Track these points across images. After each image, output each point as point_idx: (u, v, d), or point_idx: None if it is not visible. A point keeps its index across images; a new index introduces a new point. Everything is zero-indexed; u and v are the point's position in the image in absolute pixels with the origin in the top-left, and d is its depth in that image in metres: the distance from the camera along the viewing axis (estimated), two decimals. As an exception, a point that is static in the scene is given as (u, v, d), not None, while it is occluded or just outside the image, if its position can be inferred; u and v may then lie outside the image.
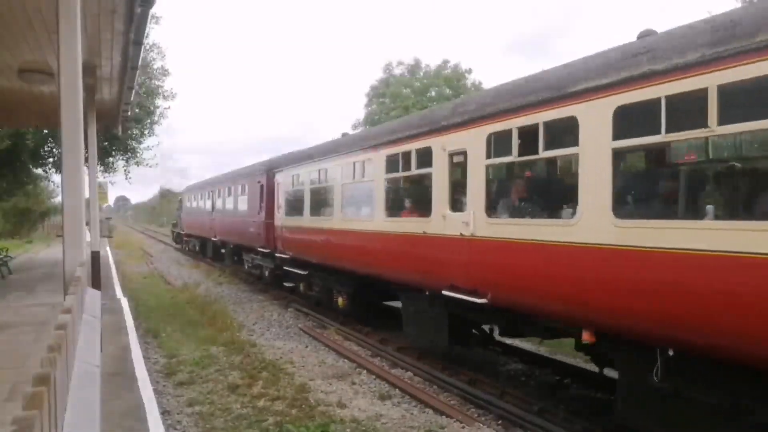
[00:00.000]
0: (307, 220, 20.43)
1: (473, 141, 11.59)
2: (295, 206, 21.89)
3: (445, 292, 12.03)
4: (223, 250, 35.73)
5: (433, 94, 49.86)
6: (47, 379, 2.86)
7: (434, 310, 13.44)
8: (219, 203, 34.71)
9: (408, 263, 13.87)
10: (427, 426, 10.43)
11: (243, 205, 29.35)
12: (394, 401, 11.92)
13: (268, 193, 25.14)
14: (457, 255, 11.81)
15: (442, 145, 12.58)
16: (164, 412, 10.33)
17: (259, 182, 26.44)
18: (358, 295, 18.10)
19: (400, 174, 14.76)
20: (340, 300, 18.81)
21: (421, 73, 52.47)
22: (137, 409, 9.47)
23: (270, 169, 25.42)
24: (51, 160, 33.83)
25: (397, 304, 16.45)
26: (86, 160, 14.12)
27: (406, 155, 14.12)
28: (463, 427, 10.34)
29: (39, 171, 36.70)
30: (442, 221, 12.45)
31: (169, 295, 24.45)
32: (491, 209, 11.23)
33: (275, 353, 15.29)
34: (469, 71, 52.09)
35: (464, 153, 11.92)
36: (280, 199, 23.42)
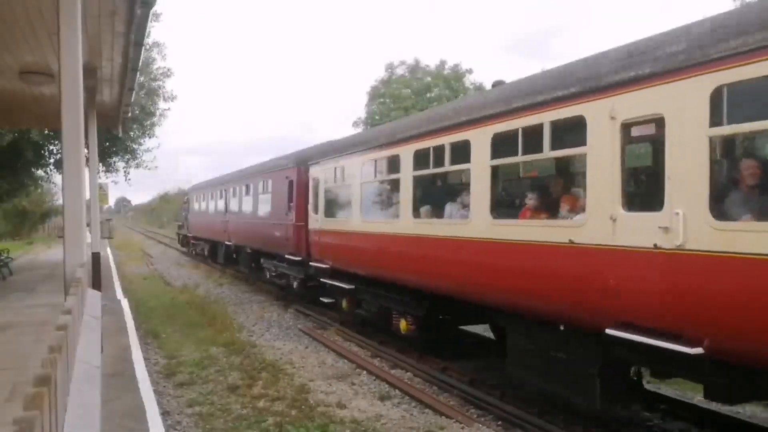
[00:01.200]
0: (356, 222, 16.35)
1: (681, 99, 7.36)
2: (338, 206, 18.34)
3: (610, 332, 8.18)
4: (236, 255, 32.49)
5: (433, 94, 49.84)
6: (48, 380, 2.87)
7: (576, 353, 9.58)
8: (234, 203, 31.08)
9: (530, 286, 9.86)
10: (427, 426, 10.43)
11: (265, 205, 25.43)
12: (394, 402, 11.91)
13: (298, 191, 21.30)
14: (643, 277, 7.78)
15: (608, 112, 8.37)
16: (164, 413, 10.34)
17: (287, 178, 22.37)
18: (430, 318, 14.22)
19: (521, 158, 10.50)
20: (402, 323, 14.86)
21: (420, 74, 52.47)
22: (137, 409, 9.49)
23: (302, 162, 21.40)
24: (52, 160, 33.80)
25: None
26: (87, 161, 14.15)
27: (532, 131, 9.86)
28: (462, 428, 10.33)
29: (40, 172, 36.65)
30: (608, 225, 8.36)
31: (169, 296, 24.46)
32: (720, 207, 7.09)
33: (275, 354, 15.31)
34: (470, 71, 52.16)
35: (657, 120, 7.83)
36: (318, 198, 19.34)
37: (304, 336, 17.78)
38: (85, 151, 11.49)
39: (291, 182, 21.91)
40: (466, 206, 11.94)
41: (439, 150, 12.56)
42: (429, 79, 51.28)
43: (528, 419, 10.46)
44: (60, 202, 41.38)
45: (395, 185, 14.64)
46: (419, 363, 14.26)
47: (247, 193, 28.72)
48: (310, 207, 20.01)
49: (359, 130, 49.92)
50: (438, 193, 14.07)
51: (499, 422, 10.79)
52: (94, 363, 5.01)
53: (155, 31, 64.60)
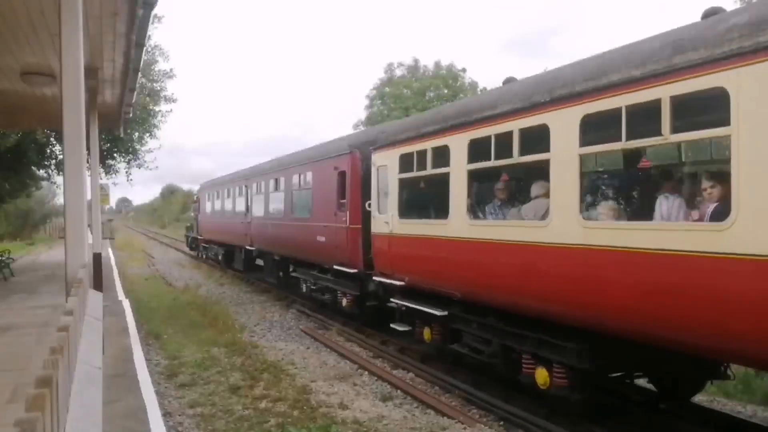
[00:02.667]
0: (459, 226, 11.76)
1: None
2: (425, 204, 14.12)
3: None
4: (259, 261, 29.23)
5: (432, 95, 49.88)
6: (49, 381, 2.85)
7: None
8: (258, 202, 26.98)
9: None
10: (429, 427, 10.42)
11: (302, 203, 21.47)
12: (396, 402, 11.94)
13: (354, 185, 17.11)
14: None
15: None
16: (166, 414, 10.33)
17: (336, 169, 18.14)
18: (594, 374, 9.75)
19: None
20: (541, 374, 10.17)
21: (420, 74, 52.49)
22: (139, 410, 9.47)
23: (360, 147, 17.26)
24: (53, 161, 33.78)
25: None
26: (88, 161, 14.14)
27: None
28: (465, 429, 10.32)
29: (42, 173, 36.63)
30: None
31: (170, 297, 24.45)
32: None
33: (277, 354, 15.31)
34: (463, 70, 52.25)
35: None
36: (387, 193, 14.81)
37: (306, 336, 17.79)
38: (86, 151, 11.49)
39: (342, 174, 17.77)
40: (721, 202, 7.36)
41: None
42: (425, 82, 51.35)
43: (530, 420, 10.45)
44: (61, 202, 41.40)
45: (541, 171, 10.14)
46: (421, 363, 14.25)
47: (277, 189, 24.49)
48: (373, 205, 15.69)
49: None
50: (635, 181, 10.45)
51: (501, 423, 10.80)
52: (96, 364, 4.99)
53: (157, 34, 64.64)
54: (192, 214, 46.93)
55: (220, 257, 35.87)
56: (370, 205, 15.90)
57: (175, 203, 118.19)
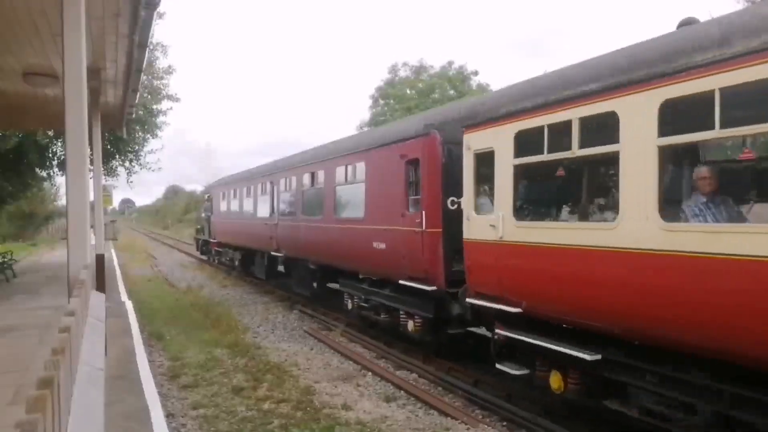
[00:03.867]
0: (637, 231, 7.95)
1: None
2: (556, 199, 11.04)
3: None
4: (285, 270, 24.81)
5: (437, 95, 49.76)
6: (51, 382, 2.84)
7: None
8: (288, 200, 23.36)
9: None
10: (432, 428, 10.43)
11: (353, 201, 17.48)
12: (400, 403, 11.93)
13: (431, 178, 13.50)
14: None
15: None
16: (169, 415, 10.33)
17: (404, 157, 14.44)
18: None
19: None
20: None
21: (425, 75, 52.39)
22: (141, 412, 9.46)
23: (442, 126, 13.64)
24: (56, 162, 33.70)
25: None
26: (91, 162, 14.14)
27: None
28: (468, 429, 10.32)
29: (44, 174, 36.57)
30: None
31: (173, 298, 24.45)
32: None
33: (280, 355, 15.30)
34: (476, 73, 52.08)
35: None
36: (497, 187, 10.86)
37: (309, 337, 17.77)
38: (89, 151, 11.48)
39: (413, 163, 14.24)
40: None
41: None
42: (430, 82, 51.22)
43: (533, 420, 10.45)
44: (63, 203, 41.35)
45: None
46: (424, 364, 14.24)
47: (313, 184, 20.80)
48: (467, 203, 11.78)
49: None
50: None
51: (504, 423, 10.82)
52: (98, 365, 4.97)
53: (159, 31, 64.48)
54: (203, 215, 42.04)
55: (236, 263, 32.51)
56: (453, 202, 12.52)
57: (178, 204, 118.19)
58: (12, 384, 9.53)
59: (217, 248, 36.34)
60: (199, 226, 44.76)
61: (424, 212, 13.40)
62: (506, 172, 10.58)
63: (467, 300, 11.74)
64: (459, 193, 12.05)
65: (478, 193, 11.77)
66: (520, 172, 10.53)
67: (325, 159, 19.67)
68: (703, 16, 8.27)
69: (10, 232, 58.73)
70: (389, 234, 14.92)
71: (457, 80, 50.78)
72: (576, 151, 9.01)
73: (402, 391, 12.61)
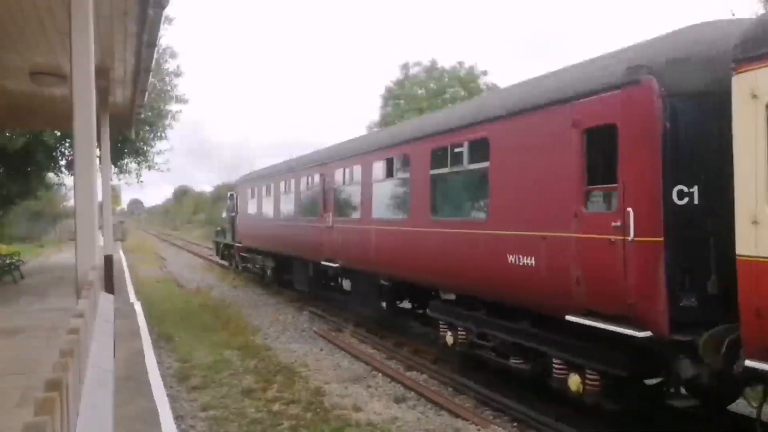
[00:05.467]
0: None
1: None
2: None
3: None
4: (338, 283, 22.19)
5: (448, 95, 49.56)
6: (59, 384, 2.80)
7: None
8: (349, 196, 18.70)
9: None
10: (443, 429, 10.37)
11: (468, 194, 13.17)
12: (410, 404, 11.85)
13: (643, 153, 8.56)
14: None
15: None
16: (178, 417, 10.27)
17: (579, 125, 9.50)
18: None
19: None
20: None
21: (437, 74, 52.17)
22: (151, 413, 9.41)
23: (661, 69, 8.41)
24: (63, 162, 33.70)
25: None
26: (99, 161, 14.09)
27: None
28: (479, 430, 10.28)
29: (51, 175, 36.59)
30: None
31: (182, 299, 24.41)
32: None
33: (290, 357, 15.24)
34: (485, 73, 51.92)
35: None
36: None
37: (319, 338, 17.69)
38: (98, 152, 11.44)
39: (598, 133, 9.27)
40: None
41: None
42: (442, 82, 51.01)
43: (544, 421, 10.38)
44: (71, 203, 41.35)
45: None
46: (435, 365, 14.17)
47: (390, 175, 16.02)
48: (750, 192, 7.08)
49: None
50: None
51: (515, 423, 10.75)
52: (107, 367, 4.92)
53: (168, 34, 64.61)
54: (225, 215, 37.68)
55: (268, 271, 27.95)
56: (682, 194, 8.30)
57: (187, 205, 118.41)
58: (19, 386, 9.48)
59: (243, 254, 31.84)
60: (219, 228, 39.70)
61: (631, 211, 8.50)
62: None
63: (745, 362, 7.09)
64: (690, 179, 8.27)
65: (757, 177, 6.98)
66: None
67: (412, 140, 14.84)
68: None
69: (18, 233, 58.80)
70: (545, 244, 10.04)
71: (468, 80, 50.57)
72: None
73: (412, 392, 12.51)
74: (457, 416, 10.95)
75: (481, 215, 12.13)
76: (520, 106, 11.05)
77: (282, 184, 25.22)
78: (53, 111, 17.01)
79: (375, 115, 56.78)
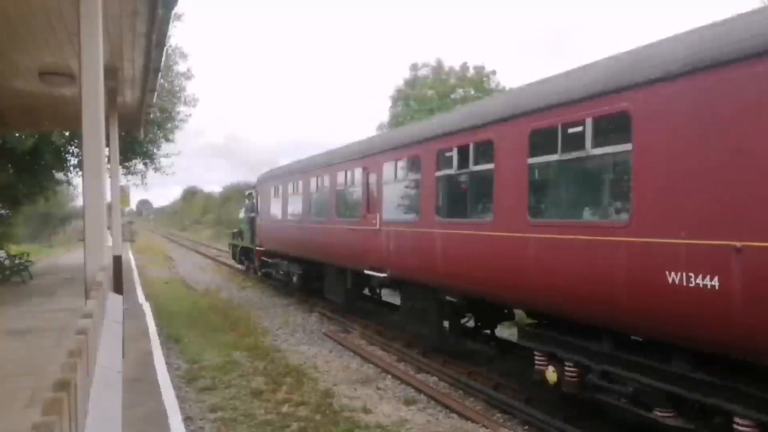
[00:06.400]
0: None
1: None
2: None
3: None
4: (370, 293, 20.85)
5: (457, 96, 49.43)
6: (68, 385, 2.77)
7: None
8: (405, 195, 15.72)
9: None
10: (453, 431, 10.32)
11: (604, 188, 9.96)
12: (419, 406, 11.82)
13: None
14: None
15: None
16: (187, 418, 10.25)
17: None
18: None
19: None
20: None
21: (445, 75, 52.03)
22: (160, 415, 9.39)
23: None
24: (74, 162, 33.70)
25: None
26: (108, 161, 14.07)
27: None
28: (489, 433, 10.23)
29: (60, 175, 36.61)
30: None
31: (191, 300, 24.38)
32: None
33: (299, 358, 15.20)
34: (493, 73, 51.80)
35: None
36: None
37: (329, 340, 17.66)
38: (106, 152, 11.43)
39: None
40: None
41: None
42: (453, 80, 50.85)
43: (554, 424, 10.32)
44: (79, 204, 41.36)
45: None
46: (444, 367, 14.10)
47: (464, 166, 12.64)
48: None
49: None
50: None
51: (526, 427, 10.73)
52: (116, 368, 4.89)
53: (177, 34, 64.67)
54: (242, 216, 34.88)
55: (294, 278, 25.05)
56: None
57: (195, 206, 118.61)
58: (29, 387, 9.50)
59: (264, 258, 29.24)
60: (235, 230, 37.07)
61: None
62: None
63: None
64: None
65: None
66: None
67: (500, 120, 11.34)
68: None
69: (27, 234, 59.00)
70: (740, 258, 6.91)
71: (476, 81, 50.42)
72: None
73: (422, 395, 12.48)
74: (467, 419, 10.93)
75: (623, 215, 8.79)
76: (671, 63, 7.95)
77: (313, 182, 22.04)
78: (62, 111, 17.00)
79: (384, 116, 56.78)
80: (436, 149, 13.54)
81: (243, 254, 34.34)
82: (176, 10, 10.46)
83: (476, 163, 12.14)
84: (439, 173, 13.47)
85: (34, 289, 23.27)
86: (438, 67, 52.16)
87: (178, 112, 33.67)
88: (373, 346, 16.61)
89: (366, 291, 20.99)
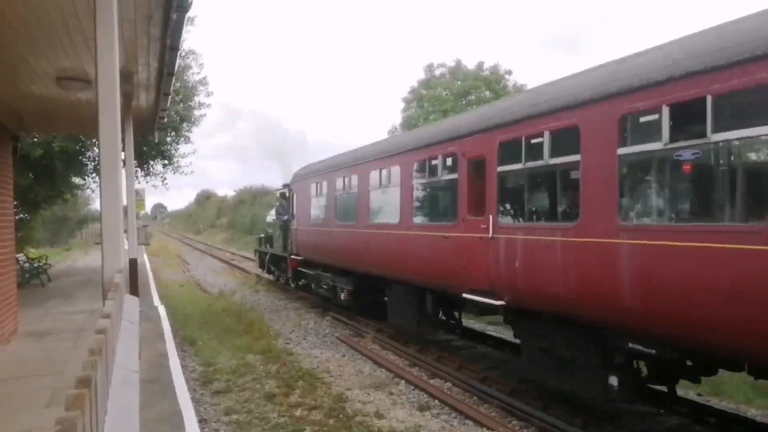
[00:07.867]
0: None
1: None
2: None
3: None
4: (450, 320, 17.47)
5: (473, 97, 49.20)
6: (89, 382, 2.82)
7: None
8: (532, 191, 11.64)
9: None
10: (468, 437, 10.29)
11: None
12: (434, 412, 11.73)
13: None
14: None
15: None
16: (201, 420, 10.30)
17: None
18: None
19: None
20: None
21: (461, 76, 51.73)
22: (174, 416, 9.41)
23: None
24: (90, 166, 33.77)
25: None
26: (123, 165, 14.14)
27: None
28: (504, 439, 10.17)
29: (77, 180, 36.71)
30: None
31: (205, 303, 24.43)
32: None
33: (312, 362, 15.21)
34: (509, 72, 51.52)
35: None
36: None
37: (341, 344, 17.65)
38: (122, 155, 11.50)
39: None
40: None
41: None
42: (469, 81, 50.57)
43: (570, 431, 10.22)
44: (97, 208, 41.50)
45: None
46: (459, 372, 14.05)
47: (623, 143, 8.69)
48: None
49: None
50: None
51: (541, 433, 10.60)
52: (133, 368, 4.94)
53: (191, 38, 64.76)
54: (271, 220, 30.74)
55: (342, 294, 21.01)
56: None
57: (209, 209, 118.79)
58: (48, 387, 9.57)
59: (301, 268, 25.50)
60: (262, 235, 33.12)
61: None
62: None
63: None
64: None
65: None
66: None
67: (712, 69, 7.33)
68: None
69: (45, 237, 59.30)
70: None
71: (492, 81, 50.12)
72: None
73: (436, 400, 12.39)
74: (483, 425, 10.80)
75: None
76: None
77: (373, 175, 17.62)
78: (78, 115, 17.08)
79: (396, 119, 56.64)
80: (596, 117, 9.20)
81: (273, 262, 30.35)
82: (189, 14, 10.49)
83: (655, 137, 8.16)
84: (609, 158, 8.86)
85: (53, 291, 23.40)
86: (456, 67, 51.85)
87: (193, 115, 33.60)
88: (386, 351, 16.57)
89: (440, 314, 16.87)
